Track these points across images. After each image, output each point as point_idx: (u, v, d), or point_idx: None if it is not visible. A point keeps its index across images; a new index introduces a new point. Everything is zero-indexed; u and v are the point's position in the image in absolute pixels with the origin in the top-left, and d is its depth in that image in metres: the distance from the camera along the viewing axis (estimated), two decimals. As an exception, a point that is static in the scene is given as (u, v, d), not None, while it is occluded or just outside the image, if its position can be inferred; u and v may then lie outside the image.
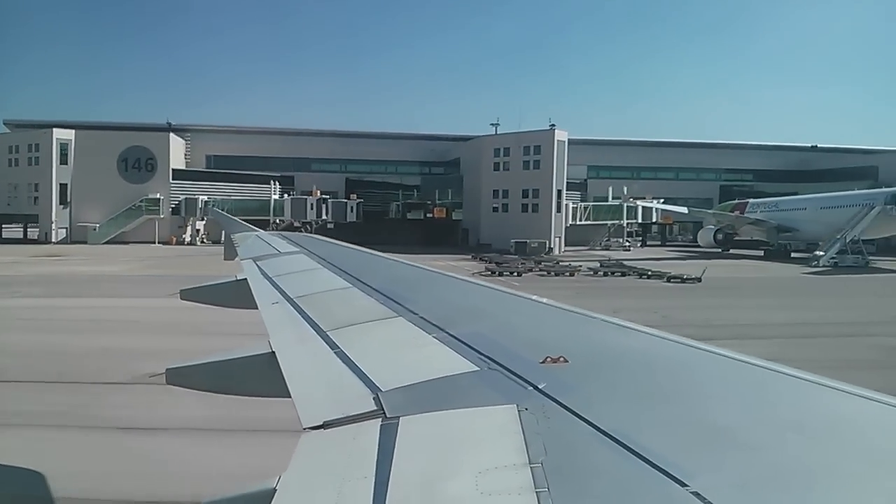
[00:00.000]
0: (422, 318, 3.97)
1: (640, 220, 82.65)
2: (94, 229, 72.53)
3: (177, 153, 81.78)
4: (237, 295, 6.63)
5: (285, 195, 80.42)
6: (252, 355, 3.85)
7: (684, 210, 76.62)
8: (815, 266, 53.33)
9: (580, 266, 47.45)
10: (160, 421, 12.20)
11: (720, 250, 72.05)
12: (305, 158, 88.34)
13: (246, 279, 6.67)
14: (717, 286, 37.38)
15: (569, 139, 79.74)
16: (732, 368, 2.84)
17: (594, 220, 79.79)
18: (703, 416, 2.27)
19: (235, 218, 16.62)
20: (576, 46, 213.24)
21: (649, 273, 43.04)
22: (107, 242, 70.97)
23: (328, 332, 3.92)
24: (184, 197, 77.07)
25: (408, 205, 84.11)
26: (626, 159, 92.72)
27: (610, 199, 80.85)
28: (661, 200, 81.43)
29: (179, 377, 4.19)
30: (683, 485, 1.66)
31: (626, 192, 79.89)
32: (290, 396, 2.93)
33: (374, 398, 2.66)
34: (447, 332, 3.52)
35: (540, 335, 3.69)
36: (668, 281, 39.73)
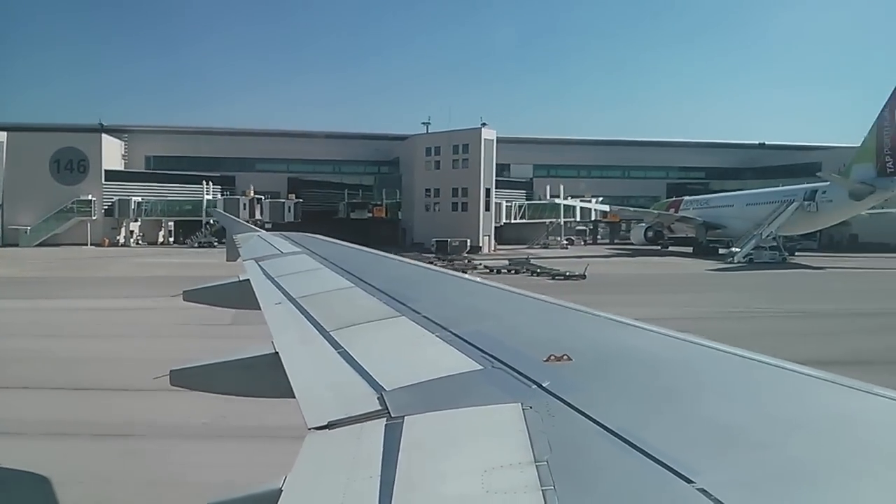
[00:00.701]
0: (425, 317, 3.97)
1: (578, 219, 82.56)
2: (26, 232, 71.87)
3: (112, 154, 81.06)
4: (240, 295, 6.64)
5: (219, 195, 79.74)
6: (256, 356, 3.85)
7: (606, 208, 77.52)
8: (729, 262, 53.49)
9: (480, 264, 48.22)
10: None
11: (658, 247, 72.46)
12: (249, 159, 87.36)
13: (249, 280, 6.68)
14: (598, 282, 37.77)
15: (517, 138, 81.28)
16: (738, 366, 2.84)
17: (530, 218, 79.88)
18: (709, 413, 2.27)
19: (237, 219, 16.63)
20: (527, 44, 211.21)
21: (538, 270, 43.54)
22: (39, 245, 70.31)
23: (331, 332, 3.92)
24: (117, 198, 76.39)
25: (351, 204, 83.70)
26: (579, 158, 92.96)
27: (560, 197, 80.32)
28: (600, 199, 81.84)
29: (184, 379, 4.19)
30: (689, 482, 1.66)
31: (562, 191, 79.71)
32: (294, 397, 2.93)
33: (378, 398, 2.66)
34: (450, 331, 3.52)
35: (543, 333, 3.69)
36: (553, 278, 40.28)
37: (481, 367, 2.84)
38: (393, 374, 2.93)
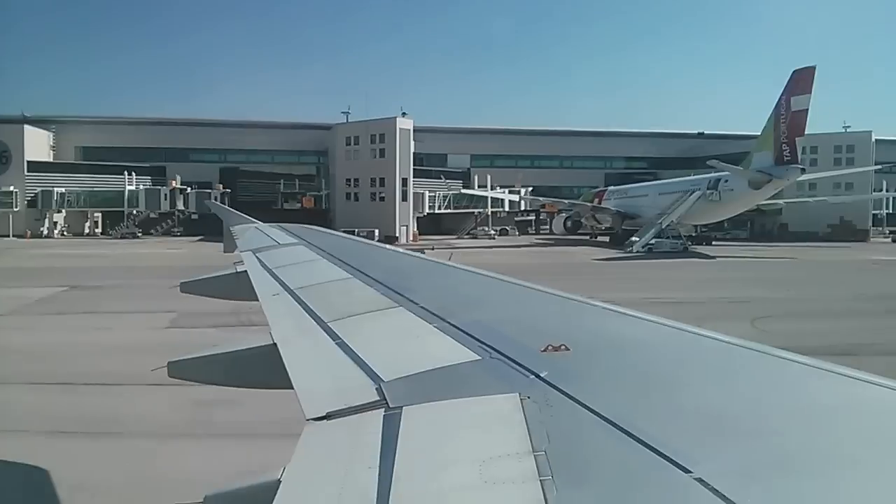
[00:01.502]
0: (422, 307, 3.97)
1: (507, 209, 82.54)
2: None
3: (38, 145, 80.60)
4: (237, 287, 6.64)
5: (142, 186, 79.22)
6: (254, 347, 3.85)
7: (515, 198, 77.68)
8: (628, 252, 53.69)
9: None
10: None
11: (588, 237, 73.12)
12: (183, 149, 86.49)
13: (246, 271, 6.67)
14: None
15: (455, 128, 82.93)
16: (735, 355, 2.84)
17: (455, 208, 79.97)
18: (706, 402, 2.27)
19: (234, 210, 16.60)
20: (472, 36, 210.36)
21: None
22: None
23: (329, 323, 3.92)
24: (40, 190, 76.06)
25: (285, 195, 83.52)
26: (518, 148, 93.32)
27: (488, 187, 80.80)
28: (531, 189, 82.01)
29: (182, 370, 4.20)
30: (687, 471, 1.67)
31: (489, 181, 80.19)
32: (292, 388, 2.93)
33: (376, 388, 2.66)
34: (448, 322, 3.52)
35: (541, 323, 3.69)
36: None
37: (479, 358, 2.84)
38: (391, 365, 2.93)
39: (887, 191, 79.46)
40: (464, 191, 78.27)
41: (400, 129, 72.26)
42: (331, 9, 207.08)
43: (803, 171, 53.87)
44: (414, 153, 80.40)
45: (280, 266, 6.60)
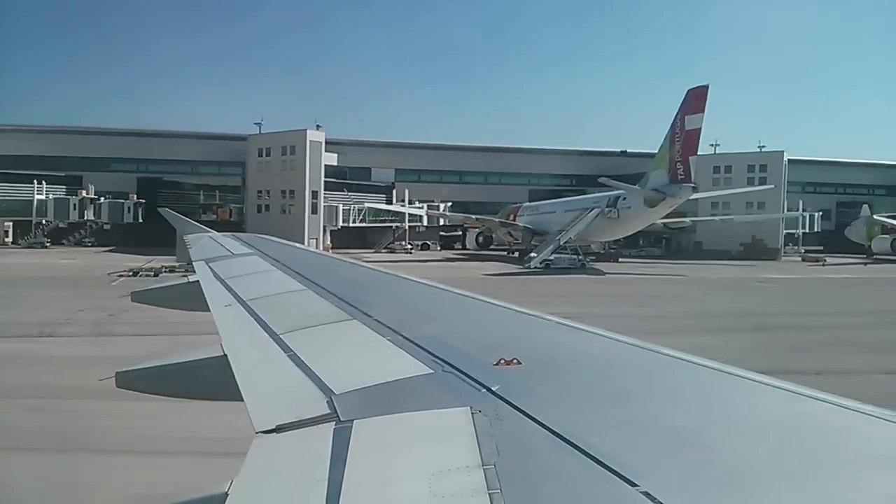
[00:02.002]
0: (376, 320, 3.96)
1: (426, 224, 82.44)
2: None
3: None
4: (189, 297, 6.53)
5: (50, 195, 76.63)
6: (204, 358, 3.79)
7: (420, 212, 77.69)
8: (526, 267, 54.46)
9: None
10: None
11: (506, 252, 73.61)
12: (101, 158, 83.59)
13: (198, 281, 6.57)
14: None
15: (379, 142, 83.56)
16: (685, 371, 2.89)
17: (370, 222, 79.66)
18: (655, 417, 2.30)
19: (186, 218, 16.34)
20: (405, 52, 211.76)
21: None
22: None
23: (281, 336, 3.88)
24: None
25: (203, 206, 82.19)
26: (443, 163, 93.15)
27: (406, 202, 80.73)
28: (450, 204, 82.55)
29: (130, 381, 4.10)
30: (633, 485, 1.69)
31: (407, 195, 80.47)
32: (242, 400, 2.89)
33: (327, 402, 2.64)
34: (401, 335, 3.51)
35: (494, 337, 3.71)
36: None
37: (432, 371, 2.85)
38: (343, 378, 2.91)
39: (804, 210, 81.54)
40: (368, 205, 77.71)
41: (310, 141, 71.63)
42: (261, 21, 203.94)
43: (695, 189, 54.29)
44: (337, 166, 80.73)
45: (233, 276, 6.52)
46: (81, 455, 10.78)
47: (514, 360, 2.81)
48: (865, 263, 67.86)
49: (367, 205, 77.52)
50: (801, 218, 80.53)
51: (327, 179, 75.93)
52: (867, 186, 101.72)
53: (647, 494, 1.64)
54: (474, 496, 1.73)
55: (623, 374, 2.93)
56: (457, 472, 1.88)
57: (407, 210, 77.02)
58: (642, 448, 2.00)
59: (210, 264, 7.61)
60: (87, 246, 72.11)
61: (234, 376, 3.24)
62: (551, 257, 55.46)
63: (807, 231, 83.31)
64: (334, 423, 2.40)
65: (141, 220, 75.71)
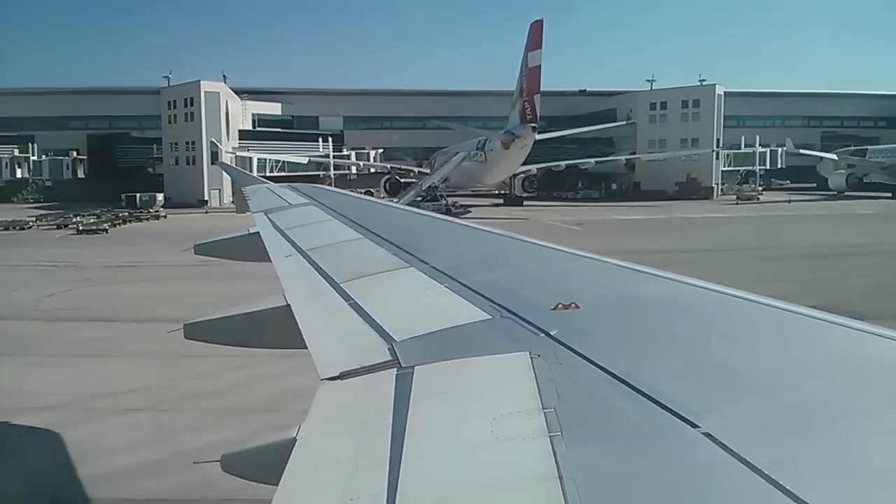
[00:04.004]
0: (433, 267, 3.99)
1: (356, 172, 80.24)
2: None
3: None
4: (250, 248, 6.67)
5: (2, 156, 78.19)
6: (268, 308, 3.89)
7: (304, 161, 75.21)
8: None
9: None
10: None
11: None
12: (52, 118, 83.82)
13: (258, 232, 6.70)
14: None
15: (328, 90, 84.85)
16: (745, 309, 2.85)
17: (291, 171, 74.75)
18: (715, 358, 2.29)
19: (243, 170, 16.55)
20: None
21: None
22: None
23: (341, 284, 3.95)
24: None
25: (153, 160, 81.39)
26: (396, 109, 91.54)
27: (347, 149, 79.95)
28: (381, 151, 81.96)
29: (197, 332, 4.25)
30: (694, 426, 1.69)
31: (331, 144, 78.45)
32: (306, 348, 2.97)
33: (388, 348, 2.69)
34: (459, 282, 3.54)
35: (552, 281, 3.70)
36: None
37: (490, 317, 2.87)
38: (403, 325, 2.96)
39: (766, 145, 77.07)
40: (276, 156, 74.57)
41: (205, 92, 70.80)
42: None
43: (535, 129, 51.93)
44: (282, 116, 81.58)
45: (291, 227, 6.62)
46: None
47: (573, 305, 2.80)
48: (789, 201, 64.83)
49: (278, 156, 74.98)
50: (757, 154, 76.50)
51: (268, 129, 77.39)
52: (855, 119, 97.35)
53: (708, 435, 1.64)
54: (535, 439, 1.76)
55: (682, 314, 2.90)
56: (517, 416, 1.91)
57: (330, 160, 75.17)
58: (703, 390, 1.99)
59: (269, 215, 7.74)
60: (29, 203, 72.98)
61: (297, 325, 3.32)
62: (428, 205, 53.04)
63: (768, 167, 79.17)
64: (396, 369, 2.46)
65: (83, 177, 78.02)
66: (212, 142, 68.02)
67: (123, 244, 34.52)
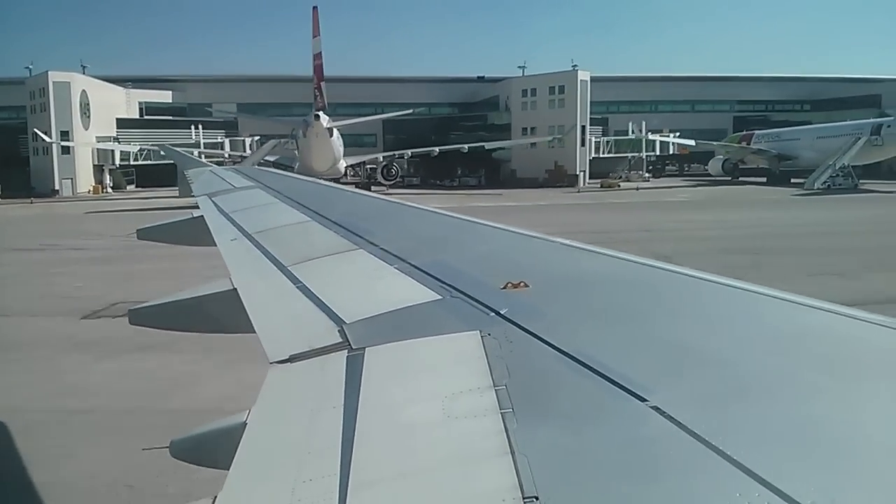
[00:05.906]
0: (382, 249, 3.97)
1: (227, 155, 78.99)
2: None
3: None
4: (194, 233, 6.54)
5: None
6: (214, 292, 3.83)
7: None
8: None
9: None
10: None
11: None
12: None
13: (203, 216, 6.57)
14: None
15: (222, 76, 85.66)
16: (692, 286, 2.91)
17: (157, 160, 75.54)
18: (663, 334, 2.33)
19: (188, 154, 16.23)
20: None
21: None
22: None
23: (289, 267, 3.90)
24: None
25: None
26: (292, 96, 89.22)
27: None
28: (257, 139, 79.73)
29: (143, 317, 4.16)
30: (643, 399, 1.72)
31: (203, 132, 78.24)
32: (254, 332, 2.93)
33: (338, 330, 2.68)
34: (408, 262, 3.53)
35: (501, 261, 3.72)
36: None
37: (440, 297, 2.87)
38: (352, 307, 2.95)
39: (658, 132, 79.17)
40: (131, 149, 74.08)
41: (53, 82, 70.33)
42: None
43: (317, 118, 52.67)
44: (172, 103, 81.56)
45: (237, 210, 6.51)
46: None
47: (522, 283, 2.83)
48: (638, 188, 66.38)
49: (132, 148, 74.23)
50: (644, 141, 77.72)
51: (157, 117, 77.50)
52: (765, 102, 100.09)
53: (656, 409, 1.67)
54: (487, 416, 1.77)
55: (630, 292, 2.95)
56: (469, 394, 1.92)
57: (202, 148, 72.28)
58: (651, 365, 2.02)
59: (213, 199, 7.59)
60: None
61: (244, 309, 3.28)
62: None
63: (658, 154, 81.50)
64: (346, 351, 2.44)
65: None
66: (43, 132, 67.64)
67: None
